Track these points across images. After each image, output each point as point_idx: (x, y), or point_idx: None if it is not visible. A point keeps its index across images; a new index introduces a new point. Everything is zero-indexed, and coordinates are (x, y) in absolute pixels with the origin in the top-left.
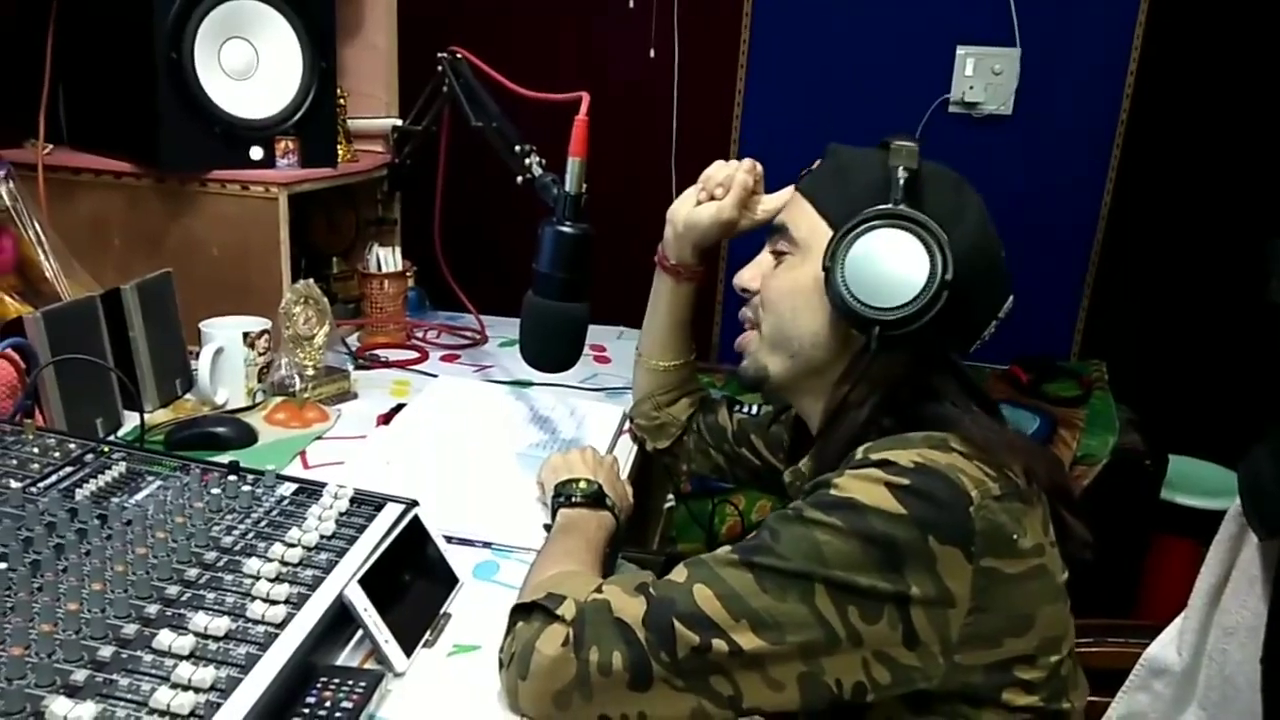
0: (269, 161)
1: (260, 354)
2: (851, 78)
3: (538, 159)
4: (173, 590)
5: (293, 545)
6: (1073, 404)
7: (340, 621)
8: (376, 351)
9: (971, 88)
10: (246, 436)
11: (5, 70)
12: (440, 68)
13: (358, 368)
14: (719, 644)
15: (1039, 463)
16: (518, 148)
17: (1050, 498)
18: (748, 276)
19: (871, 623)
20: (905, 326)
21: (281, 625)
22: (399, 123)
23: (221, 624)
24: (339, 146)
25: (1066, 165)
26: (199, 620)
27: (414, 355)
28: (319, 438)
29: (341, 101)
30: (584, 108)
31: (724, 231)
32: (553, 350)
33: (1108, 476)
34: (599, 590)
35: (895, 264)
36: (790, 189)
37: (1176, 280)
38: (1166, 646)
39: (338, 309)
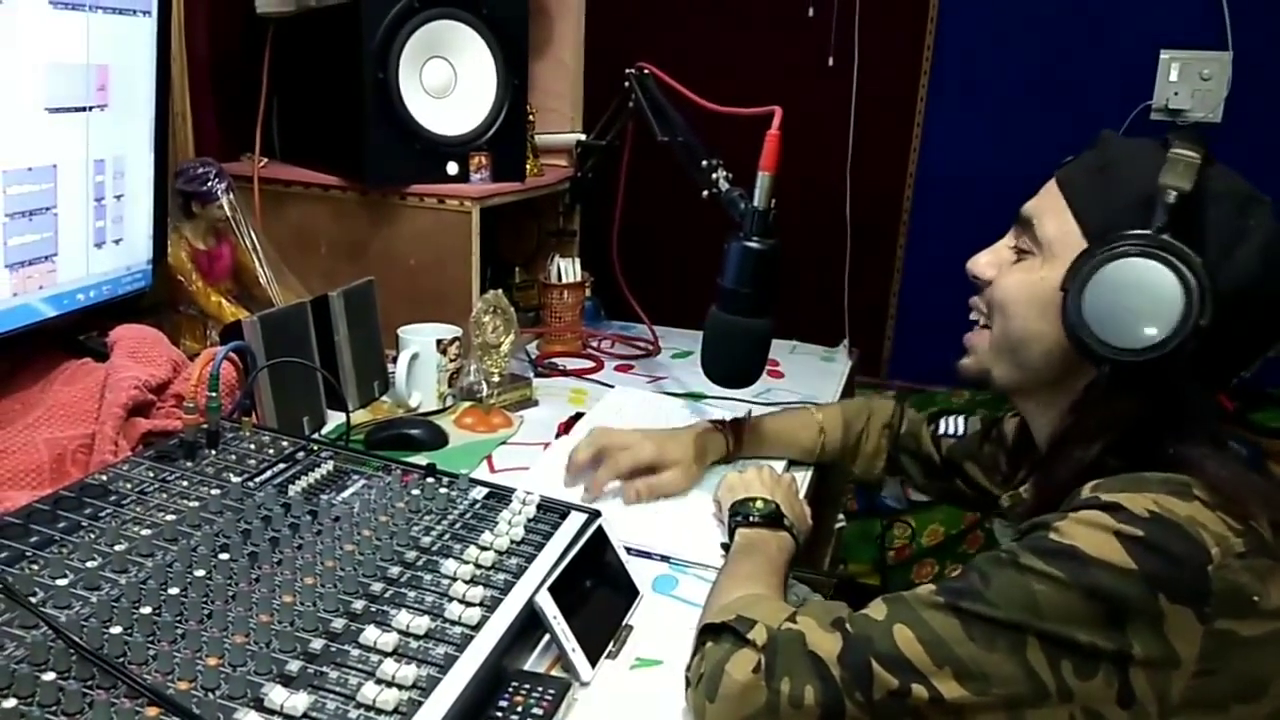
0: (463, 176)
1: (451, 360)
2: (1042, 85)
3: (725, 173)
4: (377, 587)
5: (486, 549)
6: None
7: (529, 626)
8: (555, 360)
9: (1176, 94)
10: (438, 439)
11: (227, 90)
12: (627, 84)
13: (537, 375)
14: (919, 689)
15: None
16: (705, 162)
17: None
18: (984, 263)
19: (1086, 679)
20: (1144, 370)
21: (476, 627)
22: (583, 137)
23: (422, 623)
24: (527, 161)
25: None
26: (402, 618)
27: (590, 365)
28: (504, 443)
29: (530, 118)
30: (776, 121)
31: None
32: (738, 366)
33: None
34: (793, 620)
35: (1142, 301)
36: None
37: None
38: None
39: (519, 318)
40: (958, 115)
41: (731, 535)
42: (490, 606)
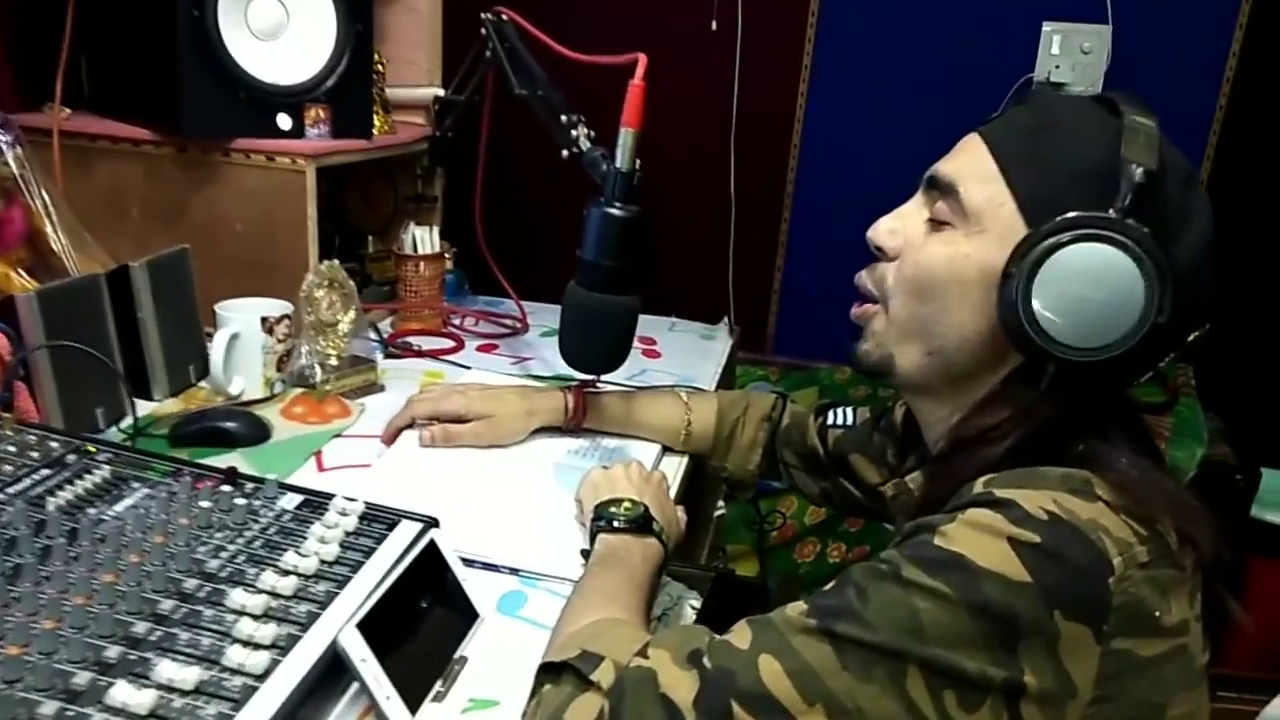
0: (298, 131)
1: (280, 341)
2: (927, 54)
3: (586, 131)
4: (140, 628)
5: (288, 573)
6: (1157, 411)
7: (336, 667)
8: (409, 339)
9: (1057, 67)
10: (258, 433)
11: (22, 29)
12: (484, 30)
13: (387, 356)
14: None
15: (1202, 529)
16: (564, 118)
17: (1206, 571)
18: (886, 231)
19: (971, 711)
20: (1091, 370)
21: (262, 677)
22: (441, 92)
23: (191, 674)
24: (375, 117)
25: None
26: (164, 670)
27: (449, 344)
28: (338, 435)
29: (379, 69)
30: (640, 71)
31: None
32: (595, 348)
33: (1195, 490)
34: (644, 654)
35: (1099, 295)
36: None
37: (1272, 280)
38: None
39: (371, 292)
40: (841, 85)
41: (592, 541)
42: (284, 648)
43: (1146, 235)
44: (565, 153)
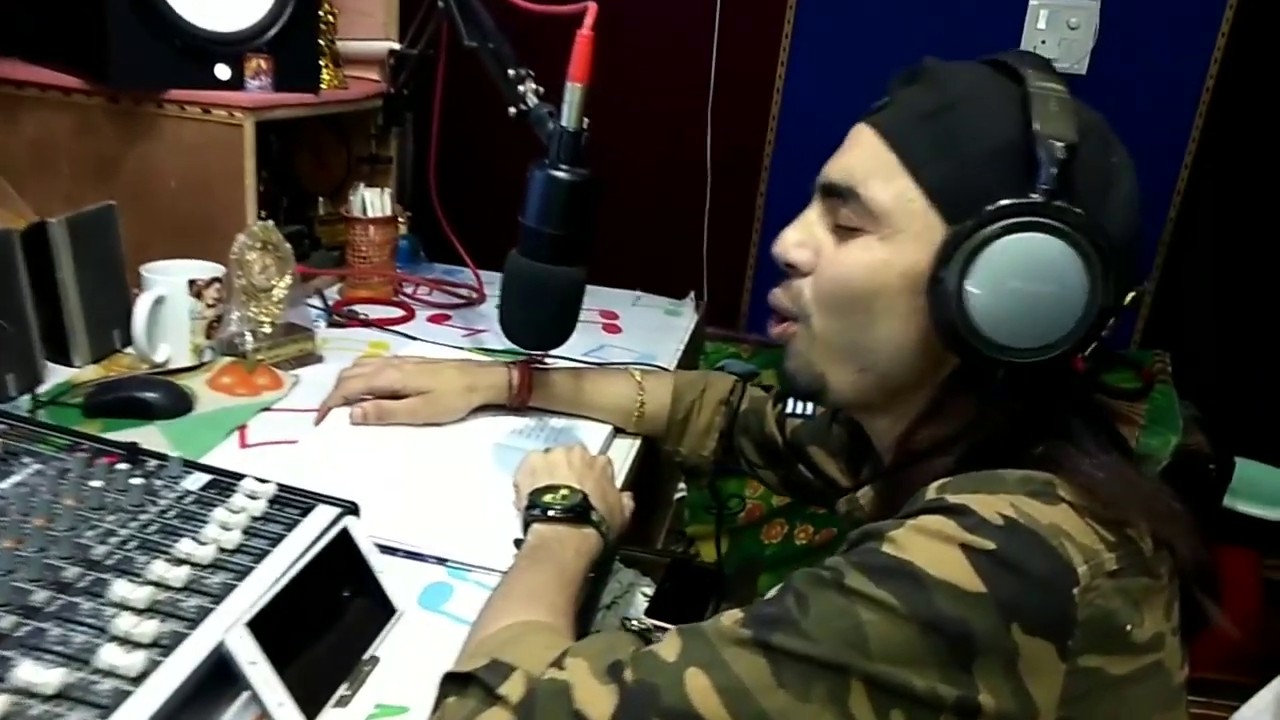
0: (237, 82)
1: (209, 306)
2: (912, 23)
3: (534, 86)
4: (5, 623)
5: (181, 562)
6: (1132, 397)
7: (225, 673)
8: (355, 308)
9: (1044, 42)
10: (179, 404)
11: None
12: None
13: (331, 325)
14: None
15: (1180, 532)
16: (511, 72)
17: (1184, 579)
18: (794, 244)
19: None
20: (1038, 369)
21: (137, 680)
22: (397, 46)
23: (53, 678)
24: (324, 70)
25: (1142, 134)
26: (22, 672)
27: (398, 314)
28: (267, 409)
29: (330, 19)
30: (589, 20)
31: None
32: (537, 322)
33: (1168, 479)
34: (560, 664)
35: (1043, 291)
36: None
37: (1255, 266)
38: (1261, 714)
39: (320, 257)
40: (823, 55)
41: (526, 530)
42: (167, 647)
43: (1080, 216)
44: (512, 110)
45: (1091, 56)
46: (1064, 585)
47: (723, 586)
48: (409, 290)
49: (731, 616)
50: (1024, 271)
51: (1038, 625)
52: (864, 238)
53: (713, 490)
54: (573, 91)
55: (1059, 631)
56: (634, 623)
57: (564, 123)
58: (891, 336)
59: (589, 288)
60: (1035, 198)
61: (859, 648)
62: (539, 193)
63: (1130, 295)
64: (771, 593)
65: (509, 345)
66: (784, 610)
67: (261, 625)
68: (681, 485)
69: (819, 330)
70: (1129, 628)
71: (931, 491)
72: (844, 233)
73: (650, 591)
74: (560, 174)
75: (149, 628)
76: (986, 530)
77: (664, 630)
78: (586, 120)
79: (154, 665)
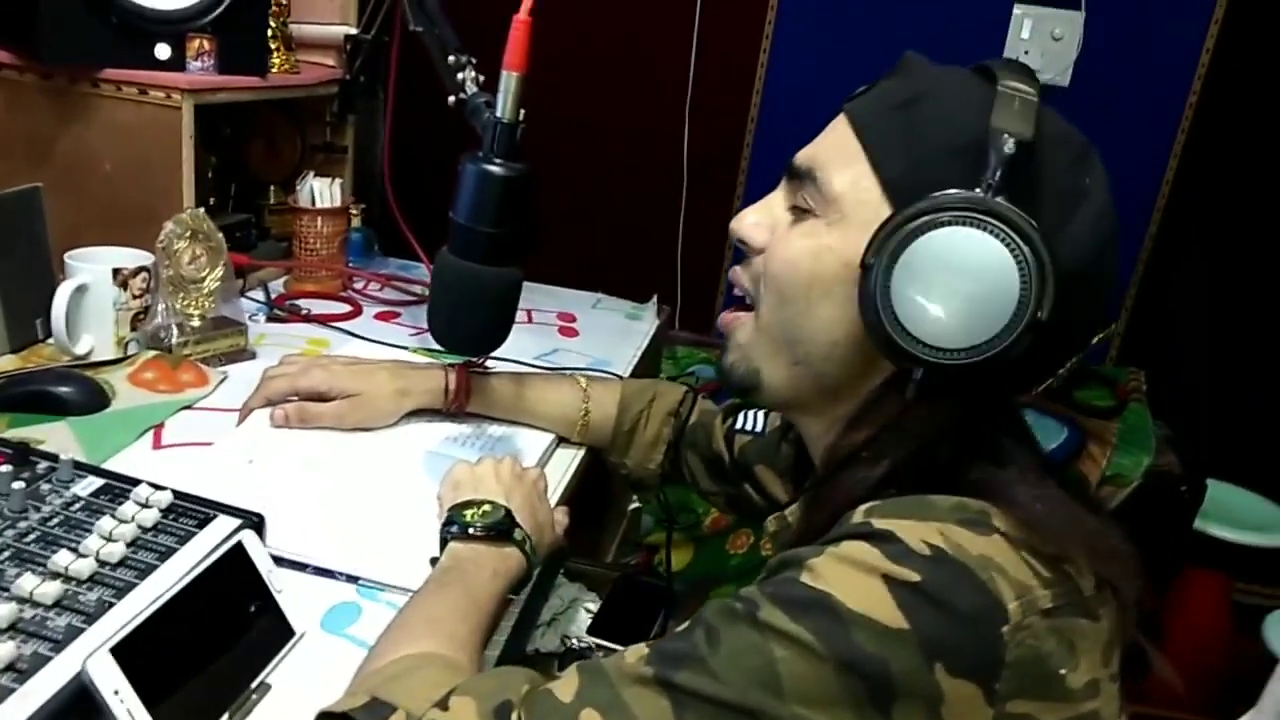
0: (178, 63)
1: (135, 296)
2: (895, 28)
3: (474, 74)
4: None
5: (54, 575)
6: (1106, 415)
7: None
8: (299, 302)
9: (1026, 53)
10: (93, 399)
11: None
12: None
13: (270, 319)
14: None
15: (1124, 571)
16: (452, 58)
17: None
18: (750, 224)
19: None
20: (961, 375)
21: None
22: (353, 31)
23: None
24: (275, 54)
25: (1124, 149)
26: None
27: (344, 310)
28: (188, 407)
29: (283, 1)
30: (526, 3)
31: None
32: (464, 324)
33: (1138, 500)
34: (444, 704)
35: (967, 287)
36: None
37: (1234, 286)
38: None
39: (267, 247)
40: (803, 60)
41: (443, 549)
42: (24, 673)
43: (1020, 216)
44: (451, 99)
45: (1075, 68)
46: (993, 622)
47: (672, 602)
48: (359, 285)
49: (636, 653)
50: (949, 266)
51: (963, 666)
52: (813, 221)
53: (661, 500)
54: (508, 80)
55: (986, 673)
56: (574, 641)
57: (499, 114)
58: (828, 328)
59: (546, 289)
60: (977, 193)
61: (770, 688)
62: (471, 188)
63: (1099, 336)
64: (682, 626)
65: None
66: (692, 646)
67: (132, 649)
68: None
69: (764, 319)
70: (1063, 672)
71: (858, 515)
72: (799, 214)
73: (594, 607)
74: (493, 168)
75: (5, 650)
76: (912, 561)
77: (607, 650)
78: (524, 112)
79: (6, 693)
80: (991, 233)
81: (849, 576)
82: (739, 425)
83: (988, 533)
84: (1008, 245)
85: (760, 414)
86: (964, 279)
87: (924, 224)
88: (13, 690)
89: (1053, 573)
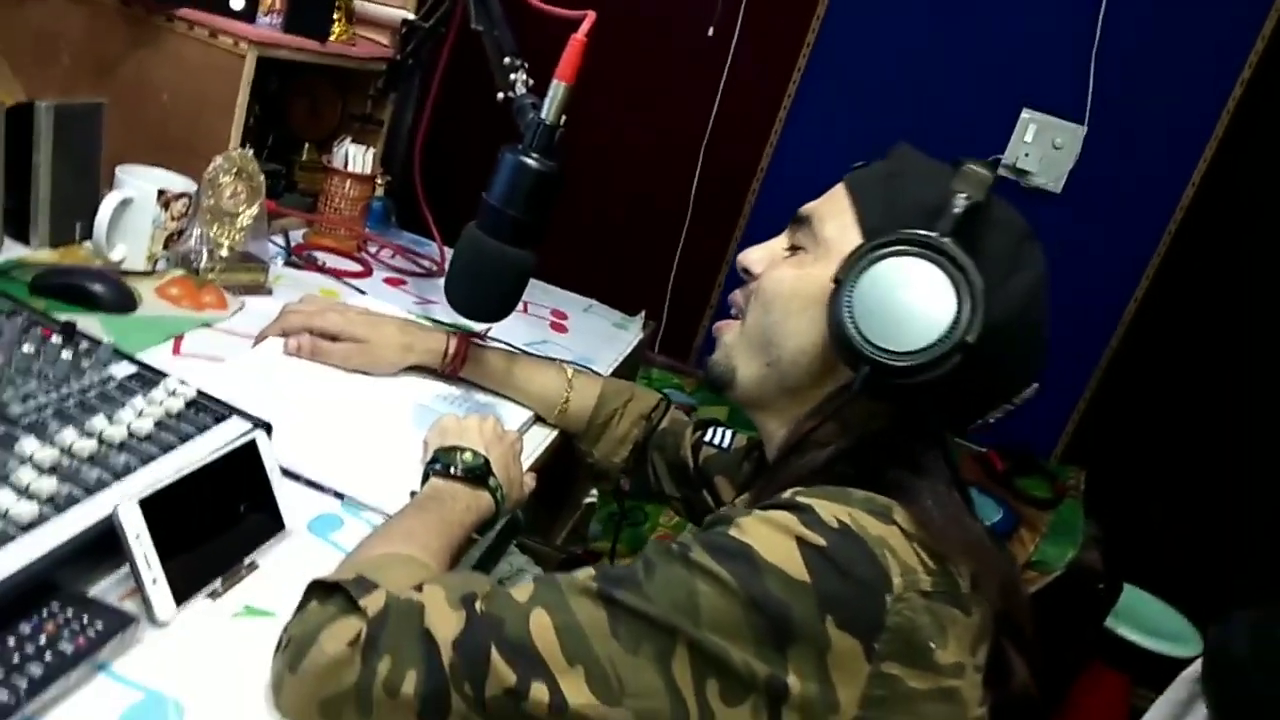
0: (249, 15)
1: (174, 219)
2: (906, 113)
3: (524, 77)
4: None
5: (90, 435)
6: (1041, 506)
7: (109, 544)
8: (316, 254)
9: (1027, 155)
10: (123, 301)
11: None
12: None
13: (288, 264)
14: (539, 689)
15: (993, 576)
16: (507, 59)
17: (997, 621)
18: (754, 258)
19: (731, 705)
20: (900, 377)
21: (27, 528)
22: (412, 16)
23: None
24: (336, 24)
25: (1101, 263)
26: None
27: (356, 269)
28: (207, 325)
29: None
30: (585, 27)
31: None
32: (481, 295)
33: (1056, 590)
34: (419, 588)
35: (912, 302)
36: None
37: (1185, 403)
38: None
39: (292, 199)
40: (814, 139)
41: (424, 484)
42: (60, 506)
43: (961, 255)
44: (500, 95)
45: (1068, 178)
46: (879, 589)
47: None
48: (372, 250)
49: (585, 572)
50: (898, 283)
51: (850, 622)
52: (804, 255)
53: (618, 498)
54: (557, 89)
55: (868, 632)
56: None
57: (544, 115)
58: (799, 336)
59: (544, 286)
60: (933, 234)
61: (690, 614)
62: (507, 175)
63: (1023, 394)
64: (630, 559)
65: (456, 319)
66: (631, 573)
67: (153, 507)
68: (594, 491)
69: (748, 325)
70: (932, 645)
71: (787, 494)
72: (794, 251)
73: None
74: (531, 161)
75: (46, 484)
76: (821, 529)
77: None
78: (564, 119)
79: (43, 518)
80: (937, 264)
81: (768, 534)
82: (708, 438)
83: (888, 523)
84: (949, 275)
85: (729, 432)
86: (911, 296)
87: (886, 252)
88: (49, 518)
89: (937, 566)
